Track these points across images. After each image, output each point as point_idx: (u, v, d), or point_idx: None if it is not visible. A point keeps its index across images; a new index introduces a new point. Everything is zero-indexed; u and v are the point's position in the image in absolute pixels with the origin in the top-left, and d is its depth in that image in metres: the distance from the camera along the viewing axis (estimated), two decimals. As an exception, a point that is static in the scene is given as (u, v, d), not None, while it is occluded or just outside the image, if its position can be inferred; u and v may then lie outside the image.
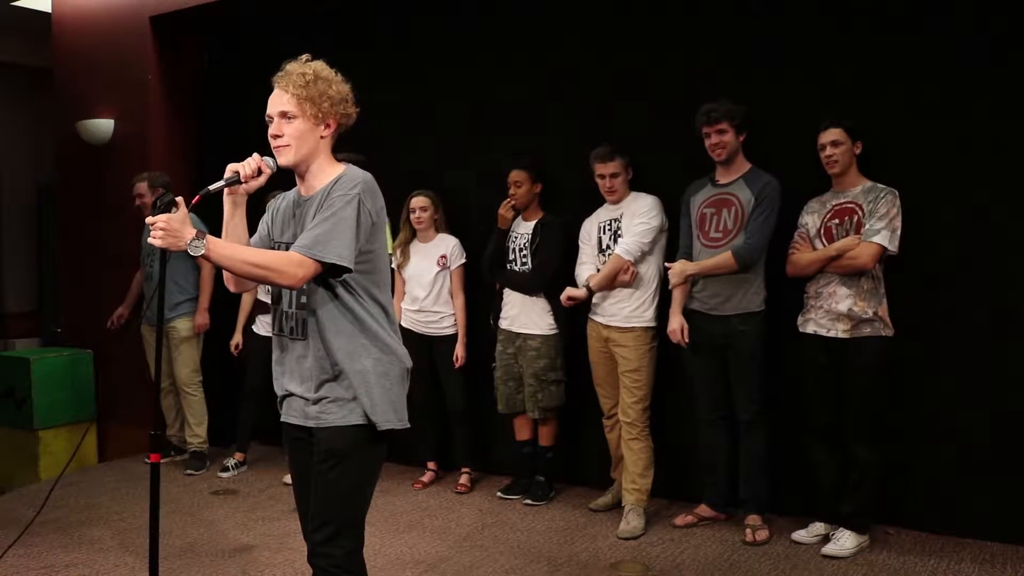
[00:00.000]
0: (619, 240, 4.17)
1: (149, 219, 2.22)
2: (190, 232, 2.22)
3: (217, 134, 5.91)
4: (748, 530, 3.95)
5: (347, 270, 2.31)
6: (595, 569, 3.72)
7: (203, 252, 2.22)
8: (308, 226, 2.34)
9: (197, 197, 2.33)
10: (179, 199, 2.27)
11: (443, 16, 5.12)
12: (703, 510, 4.18)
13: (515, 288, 4.56)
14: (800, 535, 3.88)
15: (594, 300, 4.28)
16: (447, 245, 4.81)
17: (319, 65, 2.42)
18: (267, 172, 2.41)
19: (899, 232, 3.61)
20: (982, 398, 3.82)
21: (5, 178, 8.02)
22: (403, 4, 5.19)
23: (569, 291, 4.22)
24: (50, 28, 6.21)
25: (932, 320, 3.90)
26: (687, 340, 4.03)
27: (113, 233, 5.59)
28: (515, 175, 4.55)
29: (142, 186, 5.28)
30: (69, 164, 6.17)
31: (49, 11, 6.24)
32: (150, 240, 2.23)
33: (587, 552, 3.90)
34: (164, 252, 2.30)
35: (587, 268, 4.33)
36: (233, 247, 2.32)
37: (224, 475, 5.21)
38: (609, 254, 4.23)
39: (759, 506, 4.00)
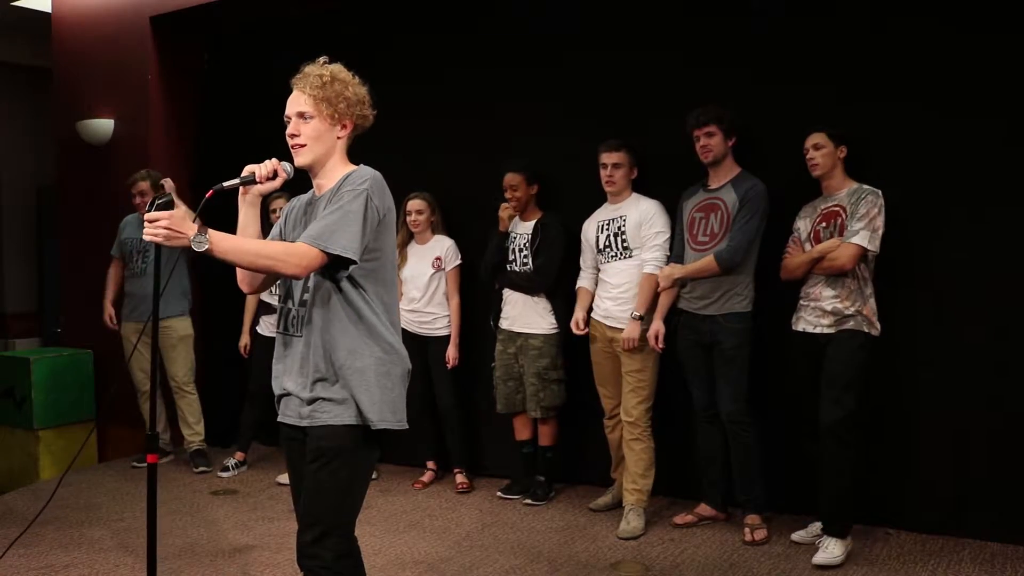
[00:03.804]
0: (642, 255, 4.17)
1: (148, 215, 2.18)
2: (192, 228, 2.19)
3: (217, 134, 5.91)
4: (747, 530, 3.95)
5: (352, 262, 2.32)
6: (595, 569, 3.72)
7: (207, 247, 2.18)
8: (316, 220, 2.35)
9: (210, 192, 2.34)
10: (179, 202, 2.27)
11: (442, 17, 5.13)
12: (703, 509, 4.19)
13: (518, 289, 4.55)
14: (800, 535, 3.87)
15: (595, 301, 4.34)
16: (442, 247, 4.82)
17: (336, 67, 2.45)
18: (283, 176, 2.43)
19: (880, 231, 3.61)
20: (981, 398, 3.81)
21: (5, 178, 8.03)
22: (403, 4, 5.19)
23: (628, 342, 4.07)
24: (50, 28, 6.22)
25: (931, 320, 3.90)
26: (661, 346, 4.07)
27: (113, 233, 5.59)
28: (510, 178, 4.55)
29: (144, 185, 5.22)
30: (69, 164, 6.18)
31: (49, 11, 6.24)
32: (145, 236, 2.20)
33: (587, 552, 3.90)
34: (158, 250, 2.30)
35: (586, 275, 4.38)
36: (236, 239, 2.30)
37: (224, 475, 5.21)
38: (609, 255, 4.25)
39: (757, 506, 4.01)
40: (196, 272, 5.50)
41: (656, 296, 4.13)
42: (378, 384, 2.38)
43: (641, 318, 4.11)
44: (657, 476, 4.19)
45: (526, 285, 4.52)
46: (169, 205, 2.21)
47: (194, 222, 2.20)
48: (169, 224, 2.17)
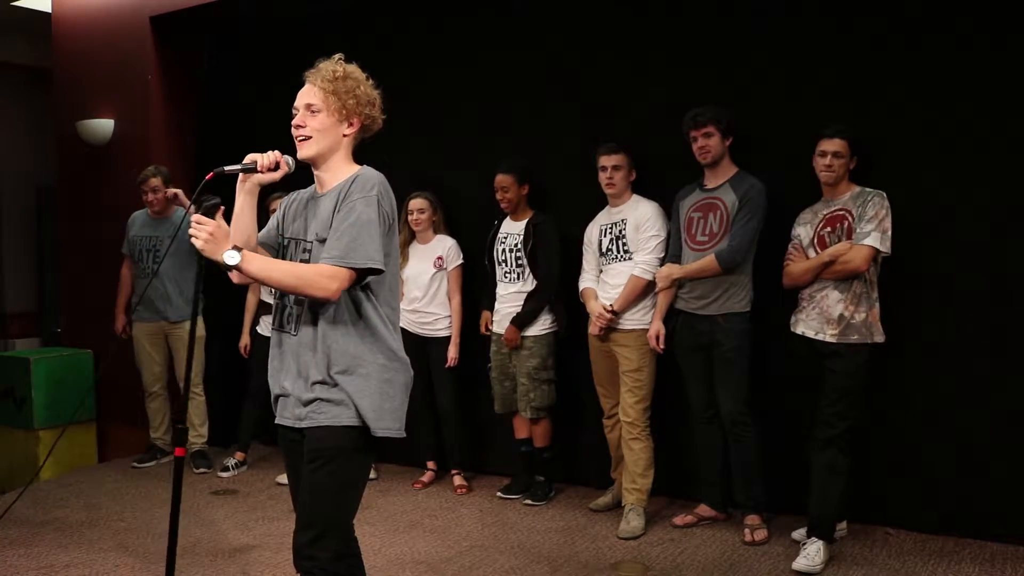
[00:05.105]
0: (634, 257, 4.19)
1: (196, 217, 2.27)
2: (227, 244, 2.28)
3: (217, 134, 5.91)
4: (747, 530, 3.96)
5: (379, 271, 2.34)
6: (595, 569, 3.72)
7: (236, 263, 2.26)
8: (329, 233, 2.34)
9: (211, 175, 2.36)
10: (221, 220, 2.33)
11: (443, 16, 5.13)
12: (703, 510, 4.19)
13: (541, 310, 4.49)
14: (799, 534, 3.87)
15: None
16: (444, 246, 4.81)
17: (352, 66, 2.47)
18: (284, 168, 2.44)
19: (890, 233, 3.62)
20: (982, 398, 3.82)
21: (5, 178, 8.02)
22: (403, 4, 5.20)
23: (601, 317, 4.18)
24: (50, 28, 6.22)
25: (932, 320, 3.91)
26: (663, 347, 4.08)
27: (113, 233, 5.59)
28: (501, 179, 4.54)
29: (156, 181, 5.21)
30: (69, 164, 6.17)
31: (49, 11, 6.24)
32: (191, 240, 2.27)
33: (587, 552, 3.90)
34: (200, 254, 2.32)
35: (588, 276, 4.37)
36: (266, 260, 2.36)
37: (224, 475, 5.21)
38: (611, 257, 4.25)
39: (757, 506, 4.01)
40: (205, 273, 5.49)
41: (637, 297, 4.15)
42: (379, 391, 2.38)
43: (615, 313, 4.16)
44: (657, 476, 4.19)
45: (541, 305, 4.48)
46: (214, 209, 2.30)
47: (191, 209, 2.27)
48: (212, 235, 2.26)
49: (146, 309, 5.30)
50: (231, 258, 2.26)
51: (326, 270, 2.29)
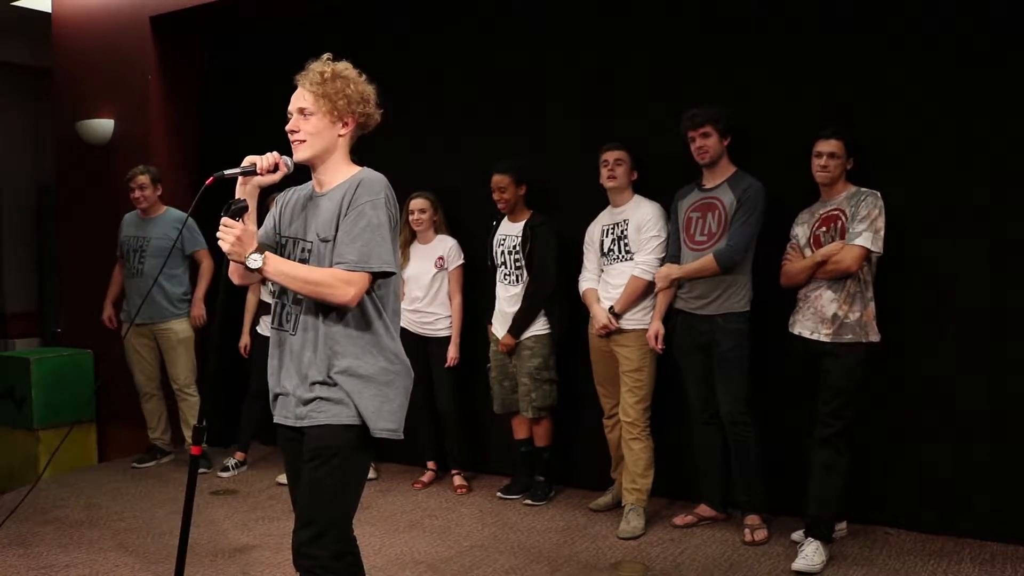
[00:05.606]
0: (635, 258, 4.19)
1: (225, 220, 2.30)
2: (252, 247, 2.31)
3: (217, 134, 5.91)
4: (747, 530, 3.96)
5: (393, 274, 2.35)
6: (595, 569, 3.72)
7: (260, 266, 2.28)
8: (338, 237, 2.34)
9: (211, 179, 2.37)
10: (251, 209, 2.37)
11: (443, 17, 5.13)
12: (703, 510, 4.19)
13: (535, 314, 4.49)
14: (799, 535, 3.87)
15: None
16: (444, 247, 4.81)
17: (341, 65, 2.45)
18: (283, 170, 2.44)
19: (882, 232, 3.61)
20: (982, 398, 3.82)
21: (5, 178, 8.02)
22: (403, 4, 5.20)
23: (602, 323, 4.19)
24: (50, 28, 6.22)
25: (931, 320, 3.91)
26: (662, 347, 4.08)
27: (113, 233, 5.59)
28: (498, 180, 4.53)
29: (144, 179, 5.21)
30: (69, 164, 6.18)
31: (49, 11, 6.24)
32: (219, 243, 2.29)
33: (587, 552, 3.90)
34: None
35: (589, 276, 4.36)
36: (287, 264, 2.37)
37: (224, 475, 5.21)
38: (613, 257, 4.25)
39: (757, 506, 4.01)
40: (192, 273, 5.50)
41: (637, 298, 4.16)
42: (380, 392, 2.38)
43: (616, 315, 4.17)
44: (657, 476, 4.19)
45: (537, 307, 4.48)
46: (241, 212, 2.34)
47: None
48: (239, 238, 2.29)
49: (133, 310, 5.29)
50: (254, 262, 2.28)
51: (343, 275, 2.30)
